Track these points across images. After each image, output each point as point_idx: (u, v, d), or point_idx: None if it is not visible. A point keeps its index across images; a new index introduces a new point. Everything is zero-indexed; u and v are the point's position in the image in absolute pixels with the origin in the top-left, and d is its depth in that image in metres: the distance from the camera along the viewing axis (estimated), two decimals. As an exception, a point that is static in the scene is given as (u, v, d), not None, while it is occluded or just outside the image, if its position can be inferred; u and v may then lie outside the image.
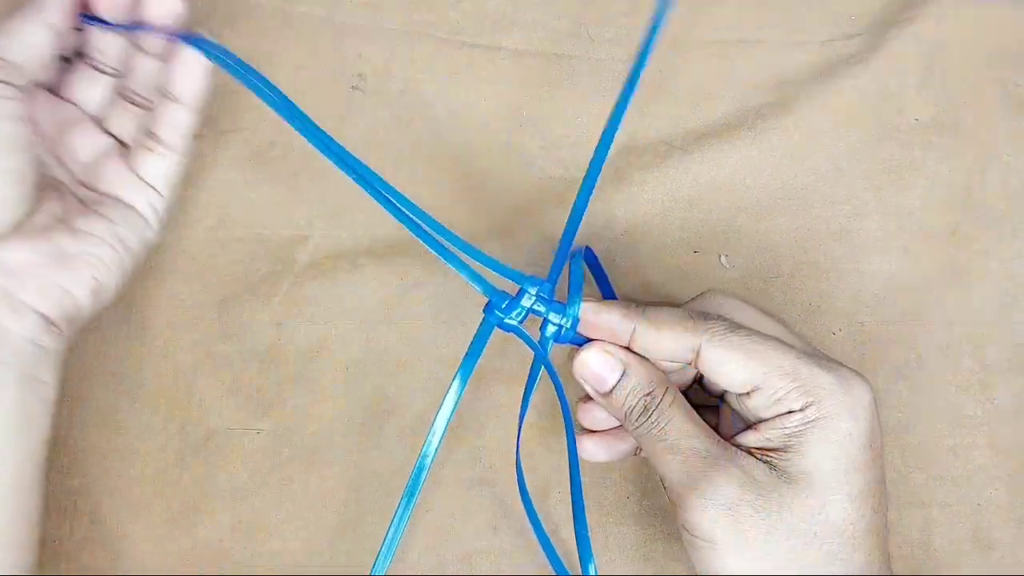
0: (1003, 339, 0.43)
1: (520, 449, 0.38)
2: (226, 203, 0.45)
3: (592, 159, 0.33)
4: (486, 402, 0.43)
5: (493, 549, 0.41)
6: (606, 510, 0.41)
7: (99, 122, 0.39)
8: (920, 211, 0.45)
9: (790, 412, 0.32)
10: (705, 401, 0.37)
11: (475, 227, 0.44)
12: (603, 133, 0.32)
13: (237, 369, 0.43)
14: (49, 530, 0.40)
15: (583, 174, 0.37)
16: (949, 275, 0.44)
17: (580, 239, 0.42)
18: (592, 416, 0.37)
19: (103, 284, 0.37)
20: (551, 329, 0.35)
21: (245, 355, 0.43)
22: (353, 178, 0.35)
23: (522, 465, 0.38)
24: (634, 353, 0.35)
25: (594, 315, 0.35)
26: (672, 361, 0.35)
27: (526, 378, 0.37)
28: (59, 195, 0.37)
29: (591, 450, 0.38)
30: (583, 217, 0.37)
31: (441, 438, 0.35)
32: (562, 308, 0.35)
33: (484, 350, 0.36)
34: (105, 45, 0.38)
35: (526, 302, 0.35)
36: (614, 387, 0.34)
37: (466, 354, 0.35)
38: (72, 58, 0.39)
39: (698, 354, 0.33)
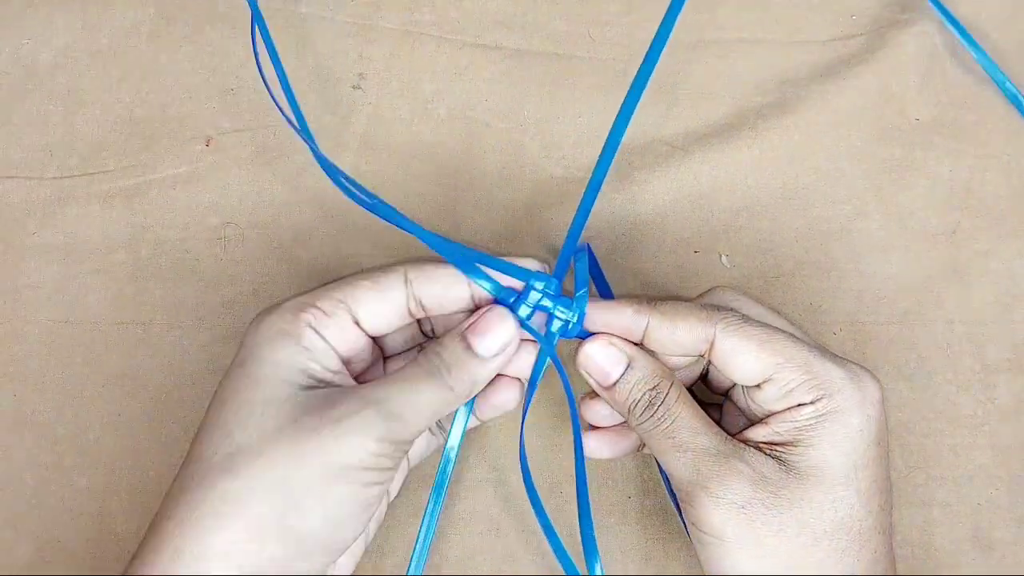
0: (1003, 339, 0.43)
1: (524, 446, 0.37)
2: (229, 203, 0.44)
3: (600, 155, 0.33)
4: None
5: (495, 549, 0.40)
6: (607, 510, 0.41)
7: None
8: (921, 211, 0.45)
9: (801, 405, 0.32)
10: (708, 399, 0.37)
11: (476, 227, 0.44)
12: (611, 130, 0.32)
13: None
14: (54, 531, 0.40)
15: (584, 173, 0.36)
16: (949, 275, 0.44)
17: (581, 238, 0.42)
18: (595, 412, 0.37)
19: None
20: (557, 324, 0.35)
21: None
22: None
23: (527, 461, 0.37)
24: (640, 347, 0.35)
25: (605, 313, 0.35)
26: (684, 355, 0.34)
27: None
28: None
29: (594, 447, 0.37)
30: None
31: (462, 435, 0.36)
32: (569, 302, 0.35)
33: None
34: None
35: (533, 297, 0.35)
36: (618, 380, 0.34)
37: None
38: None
39: (712, 345, 0.33)
